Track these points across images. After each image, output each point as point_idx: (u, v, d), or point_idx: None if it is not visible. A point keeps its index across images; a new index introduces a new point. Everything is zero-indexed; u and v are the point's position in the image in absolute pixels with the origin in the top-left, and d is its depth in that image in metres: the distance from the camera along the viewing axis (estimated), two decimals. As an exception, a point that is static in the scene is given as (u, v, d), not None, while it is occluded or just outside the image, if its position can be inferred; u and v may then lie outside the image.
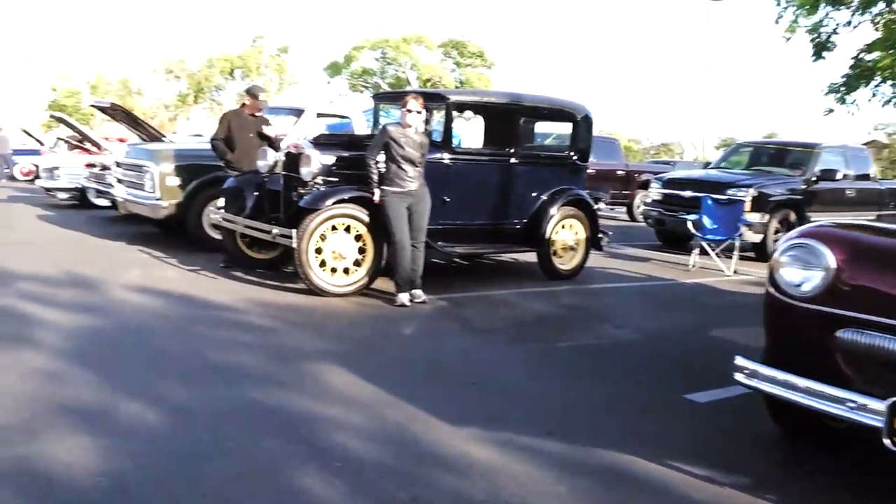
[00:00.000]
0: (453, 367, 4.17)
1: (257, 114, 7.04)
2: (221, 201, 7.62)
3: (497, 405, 3.51)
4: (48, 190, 11.94)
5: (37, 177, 20.83)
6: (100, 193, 10.07)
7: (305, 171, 5.73)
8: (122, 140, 20.78)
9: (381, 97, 7.94)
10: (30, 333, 4.18)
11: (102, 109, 10.15)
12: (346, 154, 6.14)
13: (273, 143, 6.99)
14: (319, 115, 8.50)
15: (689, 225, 8.16)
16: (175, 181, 7.43)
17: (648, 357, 4.62)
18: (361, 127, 8.80)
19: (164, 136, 9.77)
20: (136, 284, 5.73)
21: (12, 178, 21.31)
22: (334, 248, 5.66)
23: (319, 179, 5.80)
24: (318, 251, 5.61)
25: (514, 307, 5.94)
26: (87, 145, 18.48)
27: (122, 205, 7.91)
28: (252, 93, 7.03)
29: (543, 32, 75.77)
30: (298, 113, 8.35)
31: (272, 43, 32.03)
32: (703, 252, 8.14)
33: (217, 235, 7.63)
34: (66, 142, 19.73)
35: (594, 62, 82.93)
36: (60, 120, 14.26)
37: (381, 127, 5.89)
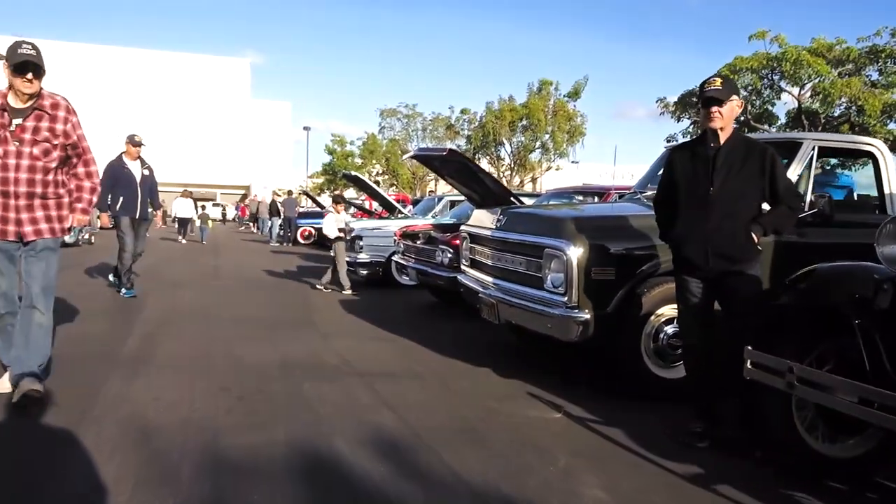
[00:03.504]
0: None
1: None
2: (666, 309, 4.13)
3: None
4: (349, 265, 9.54)
5: (316, 240, 20.01)
6: (423, 275, 7.26)
7: None
8: (405, 200, 19.08)
9: None
10: None
11: (426, 161, 7.36)
12: None
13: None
14: (822, 149, 4.71)
15: None
16: (602, 275, 4.07)
17: None
18: None
19: (514, 195, 6.68)
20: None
21: (294, 241, 20.54)
22: None
23: None
24: None
25: None
26: (370, 208, 16.89)
27: (489, 308, 4.75)
28: (713, 95, 3.21)
29: None
30: (790, 147, 4.62)
31: (563, 88, 28.88)
32: None
33: (664, 372, 4.17)
34: (349, 204, 18.41)
35: None
36: (354, 179, 12.27)
37: None
